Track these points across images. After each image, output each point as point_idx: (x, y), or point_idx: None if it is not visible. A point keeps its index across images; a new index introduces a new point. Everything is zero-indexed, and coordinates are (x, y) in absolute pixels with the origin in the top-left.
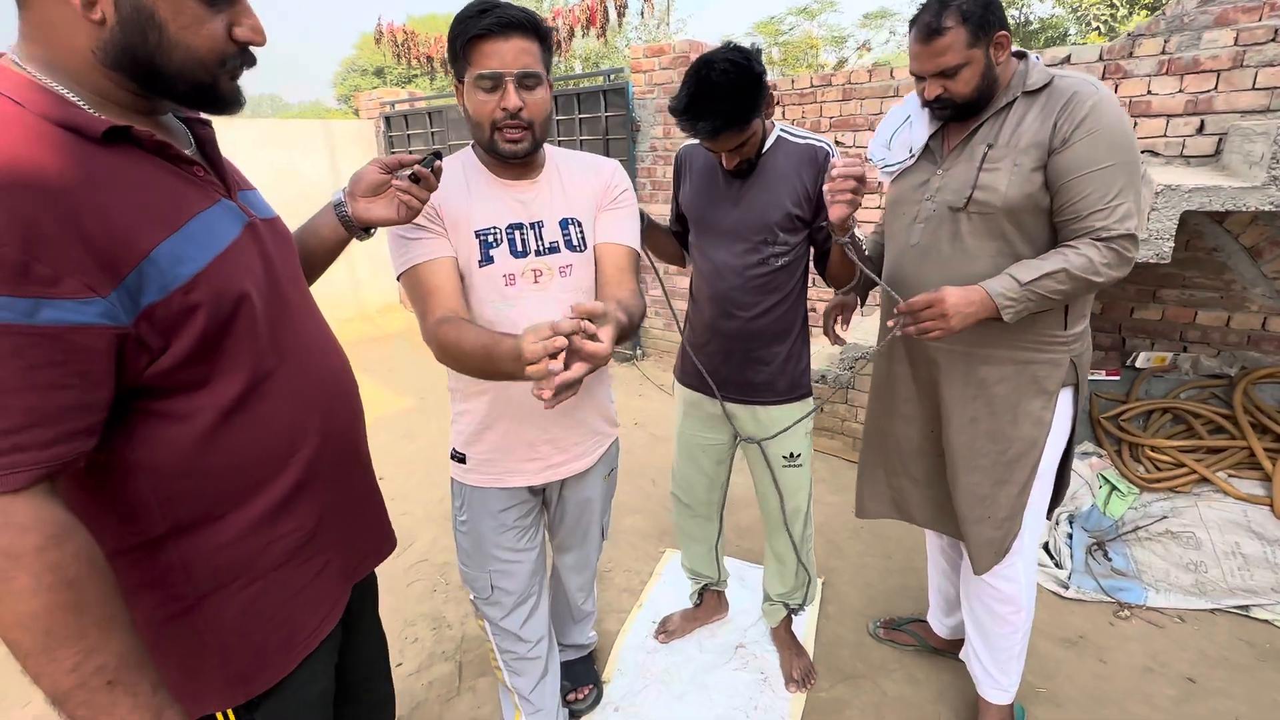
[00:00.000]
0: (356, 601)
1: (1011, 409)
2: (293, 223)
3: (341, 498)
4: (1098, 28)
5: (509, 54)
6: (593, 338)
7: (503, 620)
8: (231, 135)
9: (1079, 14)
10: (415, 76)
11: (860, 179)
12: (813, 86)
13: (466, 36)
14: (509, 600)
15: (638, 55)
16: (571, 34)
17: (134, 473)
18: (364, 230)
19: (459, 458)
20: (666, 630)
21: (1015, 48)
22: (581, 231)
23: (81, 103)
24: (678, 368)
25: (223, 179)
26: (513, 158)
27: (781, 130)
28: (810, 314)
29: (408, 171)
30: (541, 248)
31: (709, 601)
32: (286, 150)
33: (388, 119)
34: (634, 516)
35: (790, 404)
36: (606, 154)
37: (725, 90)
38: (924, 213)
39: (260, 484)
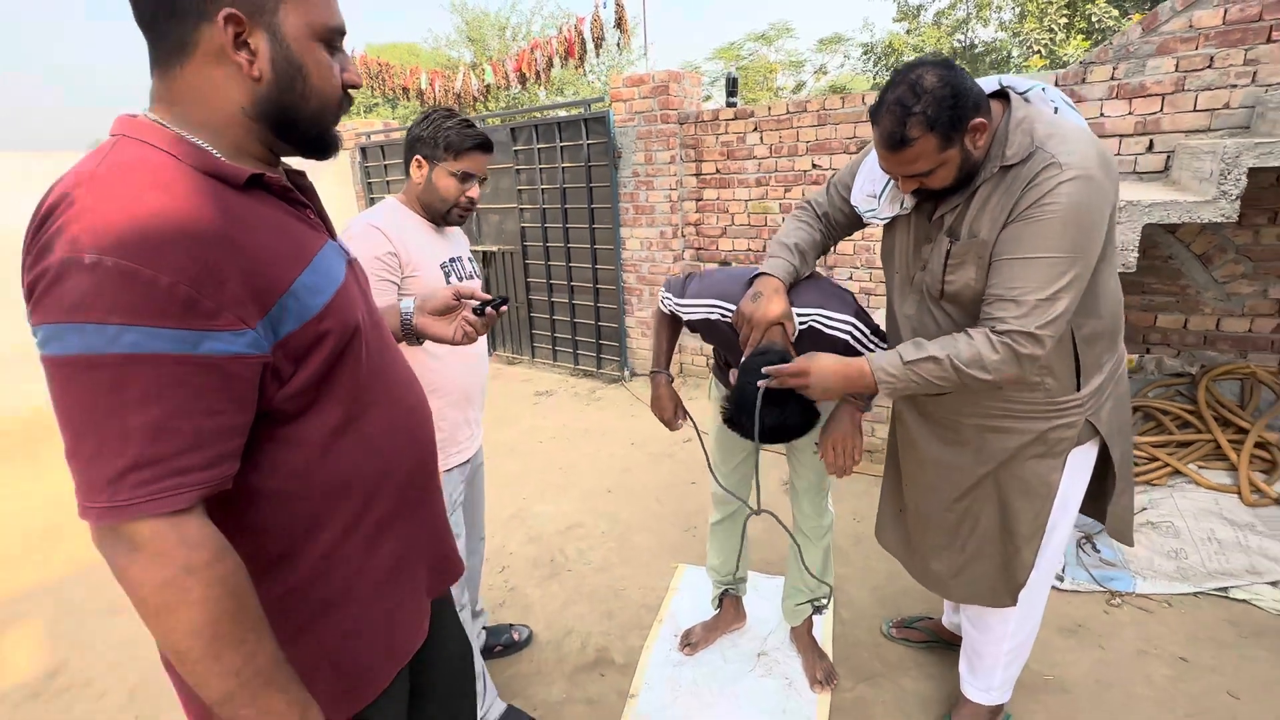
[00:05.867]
0: (436, 614)
1: (1017, 471)
2: None
3: (427, 519)
4: (1039, 51)
5: (483, 163)
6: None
7: None
8: None
9: (1021, 38)
10: (375, 105)
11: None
12: (789, 113)
13: (466, 145)
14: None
15: (617, 85)
16: (550, 64)
17: (254, 496)
18: (417, 339)
19: None
20: (690, 642)
21: (1001, 78)
22: (474, 264)
23: (219, 154)
24: (714, 366)
25: (324, 221)
26: (456, 224)
27: (816, 319)
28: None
29: (475, 303)
30: (463, 274)
31: (728, 609)
32: None
33: (364, 150)
34: (642, 534)
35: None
36: (589, 180)
37: (778, 429)
38: (917, 280)
39: (365, 506)
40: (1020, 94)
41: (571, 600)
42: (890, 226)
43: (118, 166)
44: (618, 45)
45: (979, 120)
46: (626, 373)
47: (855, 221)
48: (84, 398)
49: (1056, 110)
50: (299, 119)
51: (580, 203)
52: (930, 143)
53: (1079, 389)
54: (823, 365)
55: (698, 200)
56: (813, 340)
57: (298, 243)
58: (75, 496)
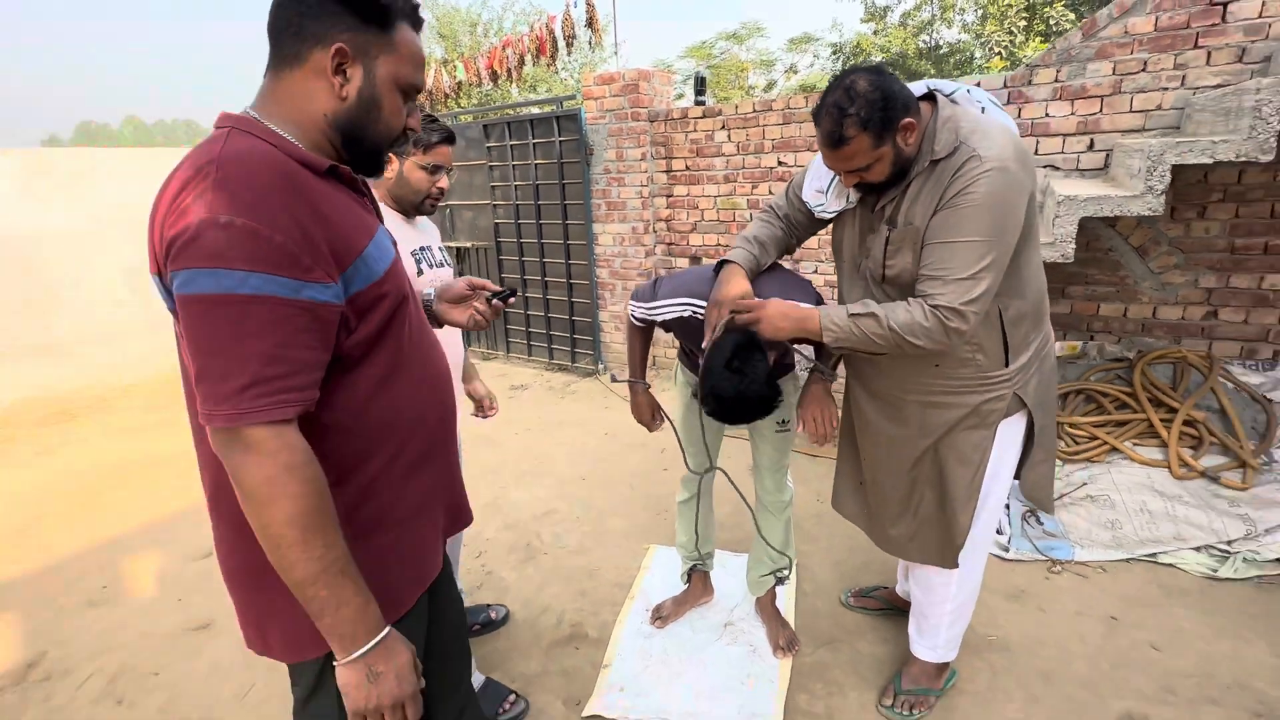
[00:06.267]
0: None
1: (953, 441)
2: None
3: (447, 467)
4: (999, 53)
5: (449, 155)
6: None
7: None
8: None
9: (982, 40)
10: None
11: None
12: (755, 111)
13: (434, 140)
14: None
15: (589, 83)
16: (521, 62)
17: (320, 428)
18: (437, 323)
19: None
20: (660, 615)
21: (929, 82)
22: (444, 253)
23: (302, 147)
24: (680, 353)
25: (376, 209)
26: (427, 214)
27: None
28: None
29: (487, 294)
30: (433, 262)
31: (696, 584)
32: None
33: None
34: (615, 519)
35: (780, 379)
36: (561, 177)
37: (739, 399)
38: (863, 268)
39: (402, 445)
40: (946, 95)
41: (547, 581)
42: (839, 221)
43: (237, 152)
44: (589, 44)
45: (908, 120)
46: (600, 366)
47: (812, 221)
48: (215, 328)
49: (984, 110)
50: (363, 138)
51: (553, 199)
52: (864, 141)
53: (1008, 365)
54: (775, 305)
55: (668, 196)
56: None
57: (363, 221)
58: (201, 407)
